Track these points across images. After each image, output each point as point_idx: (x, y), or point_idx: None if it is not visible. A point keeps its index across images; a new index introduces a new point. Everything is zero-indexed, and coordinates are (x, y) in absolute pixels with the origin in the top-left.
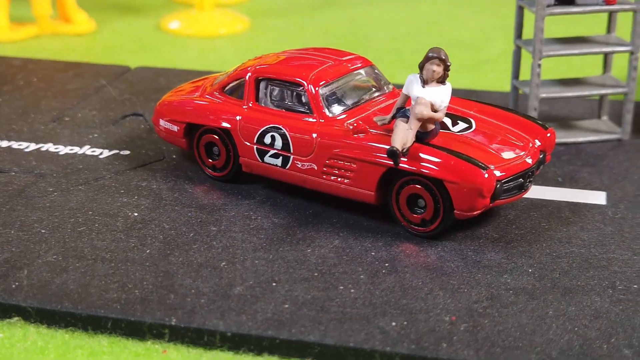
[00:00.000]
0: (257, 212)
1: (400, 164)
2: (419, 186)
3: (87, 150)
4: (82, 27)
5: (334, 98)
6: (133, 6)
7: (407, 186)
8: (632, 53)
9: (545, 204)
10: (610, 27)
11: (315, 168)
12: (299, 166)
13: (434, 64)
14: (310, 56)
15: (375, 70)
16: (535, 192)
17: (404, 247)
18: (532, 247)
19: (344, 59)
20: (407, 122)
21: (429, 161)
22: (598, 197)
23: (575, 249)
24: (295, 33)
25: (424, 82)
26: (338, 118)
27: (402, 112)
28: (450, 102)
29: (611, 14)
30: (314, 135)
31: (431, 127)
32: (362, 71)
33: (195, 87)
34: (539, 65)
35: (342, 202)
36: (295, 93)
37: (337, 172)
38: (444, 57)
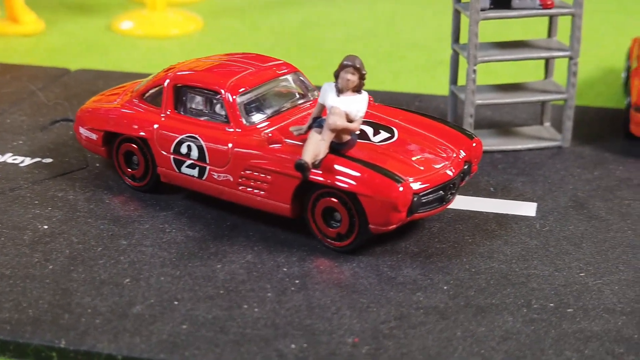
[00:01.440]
0: (173, 225)
1: (313, 177)
2: (335, 199)
3: (8, 158)
4: (29, 27)
5: (254, 106)
6: (86, 6)
7: (322, 199)
8: (571, 58)
9: (473, 216)
10: (551, 31)
11: (231, 179)
12: (215, 177)
13: (349, 73)
14: (233, 62)
15: (301, 77)
16: (465, 202)
17: (319, 263)
18: (451, 263)
19: (266, 65)
20: (321, 133)
21: (343, 174)
22: (528, 209)
23: (496, 264)
24: (247, 34)
25: (339, 91)
26: (258, 127)
27: (318, 122)
28: (376, 110)
29: (552, 17)
30: (230, 145)
31: (347, 137)
32: (287, 77)
33: (117, 93)
34: (474, 71)
35: (261, 214)
36: (212, 101)
37: (252, 183)
38: (358, 66)
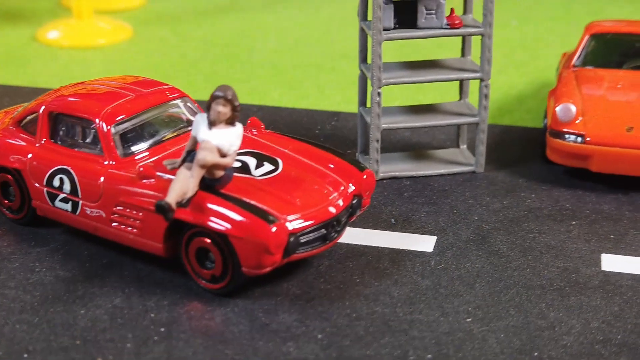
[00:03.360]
0: (45, 263)
1: (182, 216)
2: (208, 240)
3: None
4: None
5: (132, 136)
6: (13, 14)
7: (195, 239)
8: (482, 80)
9: (366, 252)
10: (464, 50)
11: (104, 215)
12: (88, 213)
13: (220, 104)
14: (117, 88)
15: (189, 103)
16: (361, 236)
17: (191, 307)
18: (332, 307)
19: (149, 90)
20: (191, 169)
21: (213, 213)
22: (427, 243)
23: (380, 308)
24: (176, 44)
25: (211, 124)
26: (136, 159)
27: (192, 156)
28: (266, 139)
29: (465, 36)
30: (101, 179)
31: (220, 173)
32: (173, 104)
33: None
34: (379, 94)
35: (141, 251)
36: (87, 130)
37: (124, 221)
38: (230, 97)
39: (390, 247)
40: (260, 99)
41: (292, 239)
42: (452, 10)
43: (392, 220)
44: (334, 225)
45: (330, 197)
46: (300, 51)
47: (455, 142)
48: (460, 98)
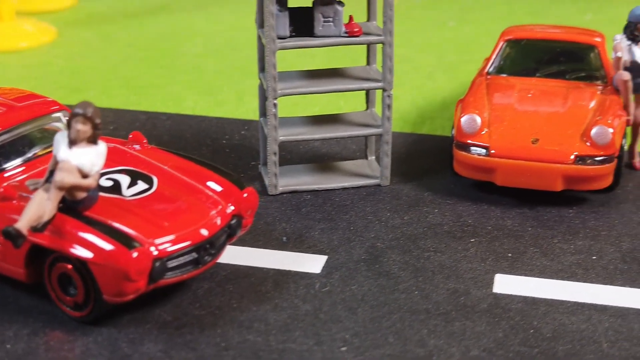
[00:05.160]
0: None
1: (40, 241)
2: (69, 265)
3: None
4: None
5: (1, 152)
6: None
7: (57, 264)
8: (384, 90)
9: (251, 273)
10: (370, 58)
11: None
12: None
13: (79, 122)
14: None
15: (67, 118)
16: (248, 256)
17: (51, 337)
18: (202, 335)
19: (23, 104)
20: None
21: (71, 238)
22: (315, 264)
23: (252, 336)
24: (101, 47)
25: (72, 143)
26: (5, 176)
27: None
28: (146, 155)
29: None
30: None
31: (82, 195)
32: (50, 117)
33: None
34: (275, 105)
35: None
36: None
37: None
38: (90, 115)
39: (277, 268)
40: (175, 106)
41: (157, 264)
42: (350, 17)
43: (284, 238)
44: (207, 248)
45: (205, 218)
46: (226, 55)
47: (364, 153)
48: (367, 107)
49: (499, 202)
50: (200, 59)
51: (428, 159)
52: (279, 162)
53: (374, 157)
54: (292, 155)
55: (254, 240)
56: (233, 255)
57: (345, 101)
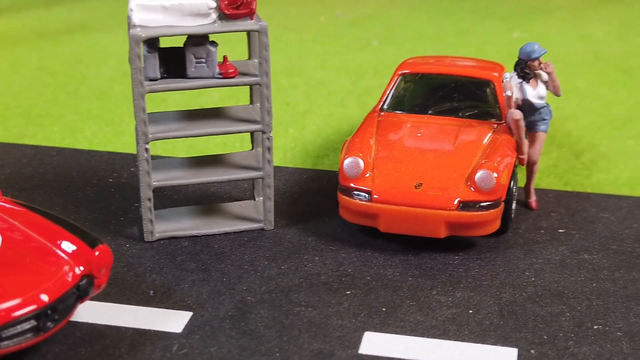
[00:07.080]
0: None
1: None
2: None
3: None
4: None
5: None
6: None
7: None
8: (263, 132)
9: (107, 334)
10: (253, 97)
11: None
12: None
13: None
14: None
15: None
16: (107, 314)
17: None
18: None
19: None
20: None
21: None
22: (178, 322)
23: None
24: (6, 71)
25: None
26: None
27: None
28: None
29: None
30: None
31: None
32: None
33: None
34: (147, 150)
35: None
36: None
37: None
38: None
39: (136, 327)
40: (70, 138)
41: None
42: (224, 58)
43: (151, 292)
44: (49, 314)
45: (47, 282)
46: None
47: (252, 194)
48: (252, 147)
49: (383, 249)
50: (108, 84)
51: (321, 198)
52: (159, 206)
53: (261, 199)
54: (179, 195)
55: (119, 294)
56: (92, 312)
57: (233, 135)
